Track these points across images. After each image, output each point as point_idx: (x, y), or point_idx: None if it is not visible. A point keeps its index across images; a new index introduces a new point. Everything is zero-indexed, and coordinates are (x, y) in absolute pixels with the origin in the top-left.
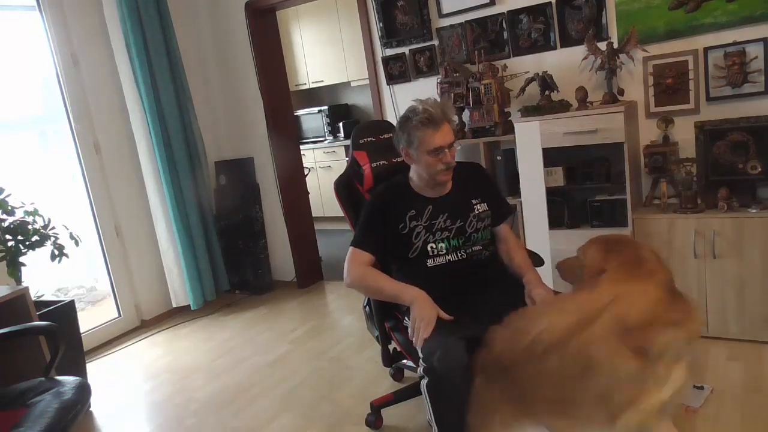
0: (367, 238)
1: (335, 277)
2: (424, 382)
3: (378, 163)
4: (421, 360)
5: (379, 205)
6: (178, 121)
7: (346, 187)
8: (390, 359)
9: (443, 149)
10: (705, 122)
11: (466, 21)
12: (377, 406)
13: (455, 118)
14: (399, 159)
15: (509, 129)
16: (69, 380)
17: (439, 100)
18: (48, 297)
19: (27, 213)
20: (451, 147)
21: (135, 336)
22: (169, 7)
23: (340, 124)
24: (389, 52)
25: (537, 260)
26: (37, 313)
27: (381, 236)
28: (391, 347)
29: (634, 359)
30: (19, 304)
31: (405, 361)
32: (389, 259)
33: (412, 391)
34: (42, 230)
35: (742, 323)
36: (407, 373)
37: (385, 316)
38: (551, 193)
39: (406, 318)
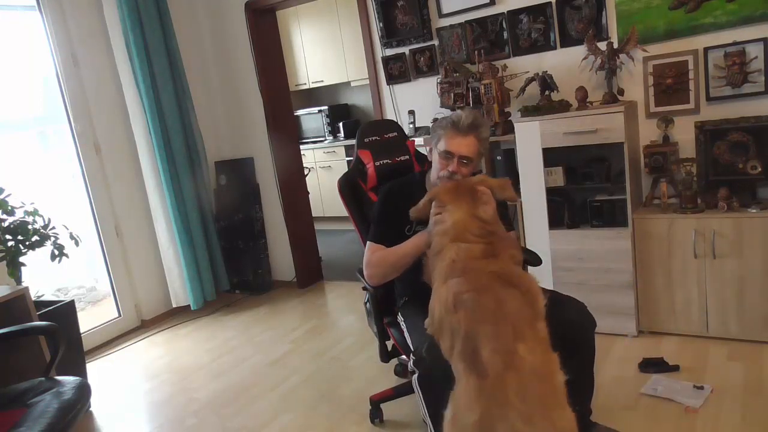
0: (382, 232)
1: (335, 277)
2: (414, 377)
3: (381, 161)
4: (411, 354)
5: (388, 203)
6: (178, 121)
7: (350, 185)
8: (387, 355)
9: (452, 156)
10: (705, 122)
11: (466, 21)
12: (376, 401)
13: (486, 137)
14: (403, 158)
15: (509, 129)
16: (69, 380)
17: (482, 117)
18: (48, 297)
19: (27, 213)
20: (463, 161)
21: (135, 336)
22: (169, 7)
23: (340, 124)
24: (389, 52)
25: (535, 260)
26: (37, 313)
27: (393, 231)
28: (389, 344)
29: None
30: (19, 304)
31: (404, 357)
32: None
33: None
34: (42, 230)
35: (742, 323)
36: None
37: (383, 313)
38: (551, 193)
39: (399, 314)
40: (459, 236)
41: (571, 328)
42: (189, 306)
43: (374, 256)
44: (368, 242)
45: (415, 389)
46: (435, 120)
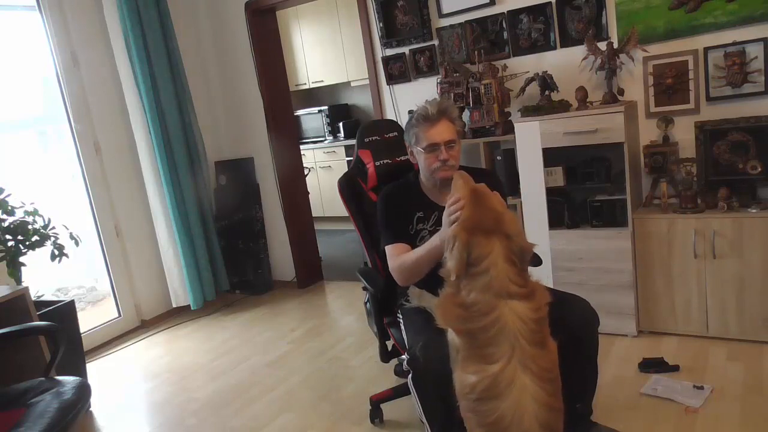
0: (395, 232)
1: (335, 277)
2: (409, 376)
3: (381, 161)
4: (406, 353)
5: (389, 203)
6: (178, 121)
7: (350, 185)
8: (387, 355)
9: (438, 146)
10: (705, 122)
11: (466, 21)
12: (376, 401)
13: (457, 116)
14: (403, 158)
15: (509, 129)
16: (69, 380)
17: (447, 100)
18: (48, 297)
19: (27, 213)
20: (450, 145)
21: (135, 336)
22: (169, 7)
23: (340, 124)
24: (389, 52)
25: (535, 260)
26: (37, 313)
27: (404, 228)
28: (389, 343)
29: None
30: (19, 304)
31: (404, 356)
32: None
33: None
34: (42, 230)
35: (742, 323)
36: None
37: (384, 313)
38: (551, 193)
39: (399, 312)
40: (502, 290)
41: (576, 326)
42: (189, 306)
43: (394, 261)
44: (386, 248)
45: (410, 388)
46: (407, 120)
